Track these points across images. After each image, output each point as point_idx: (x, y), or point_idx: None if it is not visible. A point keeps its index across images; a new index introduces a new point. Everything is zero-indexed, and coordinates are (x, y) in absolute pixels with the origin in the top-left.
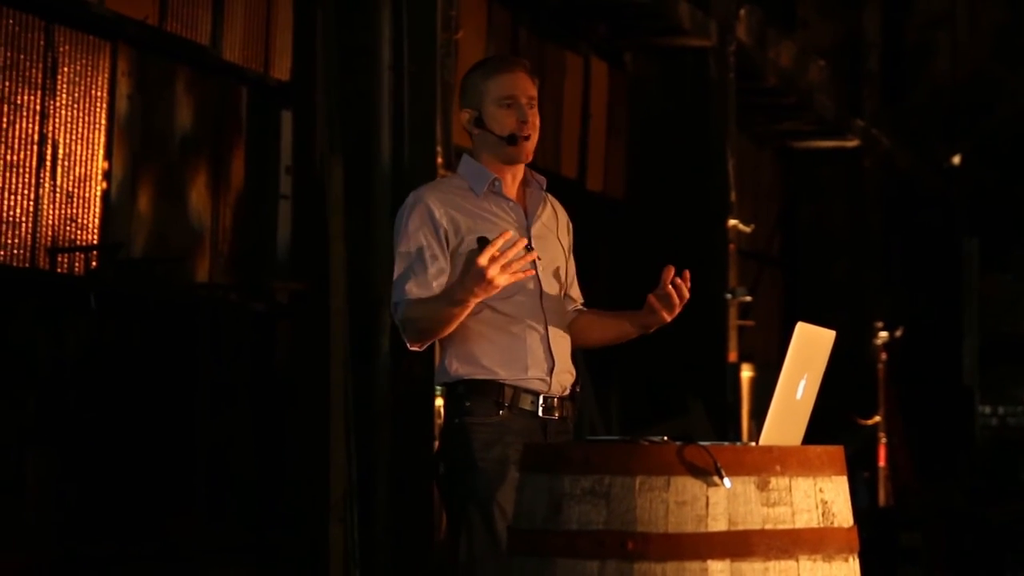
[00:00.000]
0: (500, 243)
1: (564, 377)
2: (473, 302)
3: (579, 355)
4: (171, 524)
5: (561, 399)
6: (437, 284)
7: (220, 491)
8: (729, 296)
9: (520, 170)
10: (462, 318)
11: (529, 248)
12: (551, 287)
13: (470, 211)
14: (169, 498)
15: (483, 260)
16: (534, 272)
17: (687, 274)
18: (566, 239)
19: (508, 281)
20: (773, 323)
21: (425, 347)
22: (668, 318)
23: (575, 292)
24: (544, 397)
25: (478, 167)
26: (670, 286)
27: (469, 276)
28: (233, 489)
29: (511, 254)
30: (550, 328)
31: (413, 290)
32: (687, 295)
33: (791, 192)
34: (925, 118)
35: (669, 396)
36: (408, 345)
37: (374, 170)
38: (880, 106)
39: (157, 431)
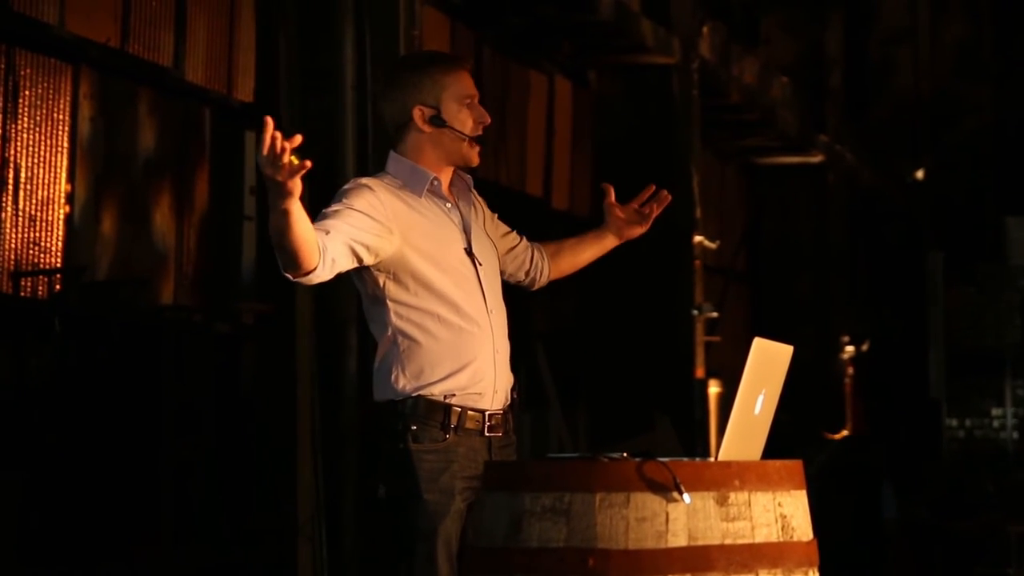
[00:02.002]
0: (267, 134)
1: (506, 385)
2: (282, 196)
3: (545, 370)
4: (137, 547)
5: (504, 413)
6: (336, 226)
7: (186, 513)
8: (695, 312)
9: (451, 171)
10: (293, 224)
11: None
12: (493, 294)
13: (414, 207)
14: (135, 521)
15: (261, 153)
16: (309, 165)
17: (664, 195)
18: (492, 226)
19: (277, 175)
20: (740, 339)
21: (298, 275)
22: (643, 230)
23: (514, 234)
24: (489, 414)
25: (412, 166)
26: (644, 206)
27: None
28: (199, 511)
29: (266, 139)
30: (496, 334)
31: (331, 230)
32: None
33: (756, 208)
34: (888, 133)
35: (636, 412)
36: (284, 272)
37: (338, 190)
38: (843, 122)
39: (122, 454)
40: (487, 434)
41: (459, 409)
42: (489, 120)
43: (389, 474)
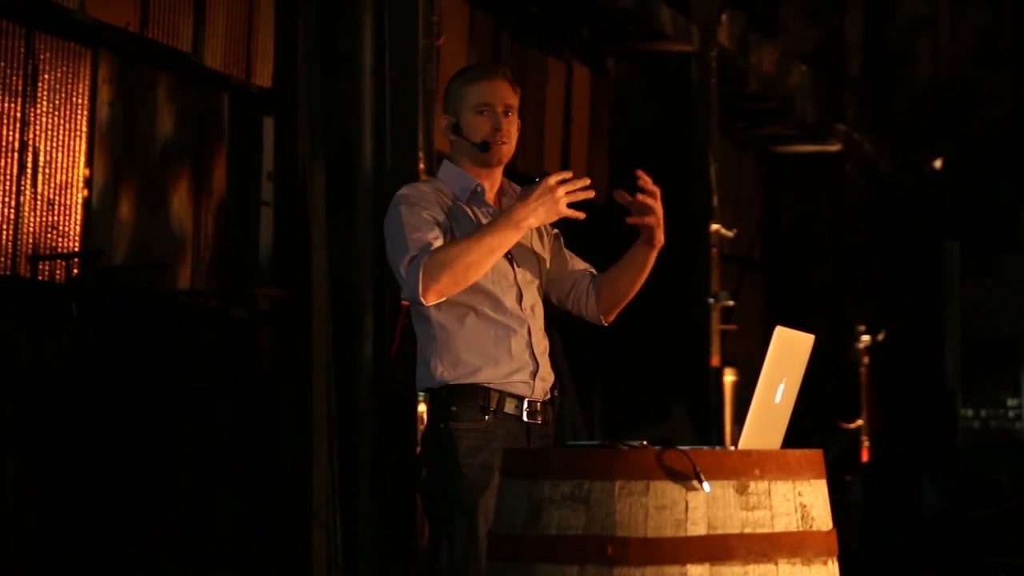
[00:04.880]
0: (568, 174)
1: (546, 380)
2: (532, 224)
3: (561, 359)
4: (153, 531)
5: (544, 403)
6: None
7: (202, 497)
8: (711, 300)
9: (497, 179)
10: (504, 251)
11: (590, 188)
12: (530, 293)
13: (453, 213)
14: (151, 505)
15: (553, 178)
16: (584, 216)
17: (641, 174)
18: (544, 243)
19: (567, 212)
20: (755, 327)
21: (442, 298)
22: (655, 218)
23: (580, 263)
24: (528, 401)
25: (459, 172)
26: (639, 196)
27: (534, 195)
28: (215, 495)
29: (578, 182)
30: (532, 332)
31: (433, 242)
32: (653, 188)
33: (773, 196)
34: (907, 122)
35: (652, 401)
36: (422, 295)
37: (356, 176)
38: (862, 110)
39: (139, 438)
40: (526, 420)
41: (498, 393)
42: (503, 126)
43: (429, 453)
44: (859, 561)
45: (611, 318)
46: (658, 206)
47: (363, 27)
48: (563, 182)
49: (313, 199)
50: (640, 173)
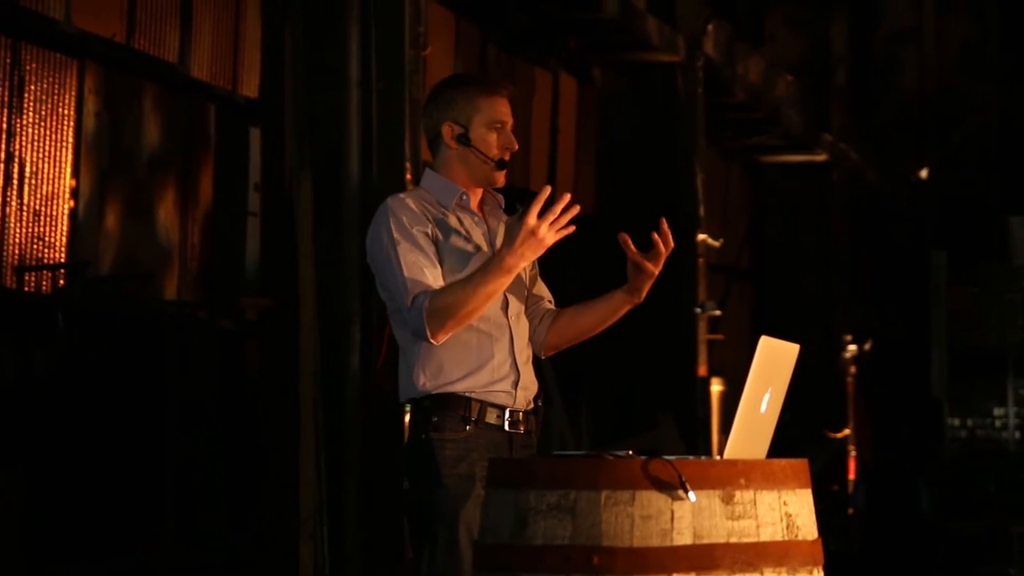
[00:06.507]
0: (542, 199)
1: (528, 390)
2: (522, 266)
3: (547, 369)
4: (140, 542)
5: (526, 413)
6: (445, 272)
7: (189, 509)
8: (698, 310)
9: (481, 188)
10: (500, 293)
11: (571, 204)
12: (516, 301)
13: (443, 219)
14: (138, 516)
15: (532, 219)
16: (574, 228)
17: (664, 223)
18: None
19: (557, 238)
20: (742, 337)
21: (449, 335)
22: (655, 269)
23: (544, 291)
24: (510, 411)
25: (444, 181)
26: (657, 238)
27: (518, 240)
28: (202, 507)
29: (557, 209)
30: (515, 342)
31: (433, 280)
32: (671, 243)
33: (760, 206)
34: (893, 132)
35: (639, 410)
36: (431, 337)
37: (343, 187)
38: (848, 120)
39: (126, 449)
40: (508, 430)
41: (479, 403)
42: (516, 147)
43: (411, 463)
44: (860, 568)
45: (548, 353)
46: (662, 262)
47: (349, 38)
48: (542, 213)
49: (300, 210)
50: (664, 232)
